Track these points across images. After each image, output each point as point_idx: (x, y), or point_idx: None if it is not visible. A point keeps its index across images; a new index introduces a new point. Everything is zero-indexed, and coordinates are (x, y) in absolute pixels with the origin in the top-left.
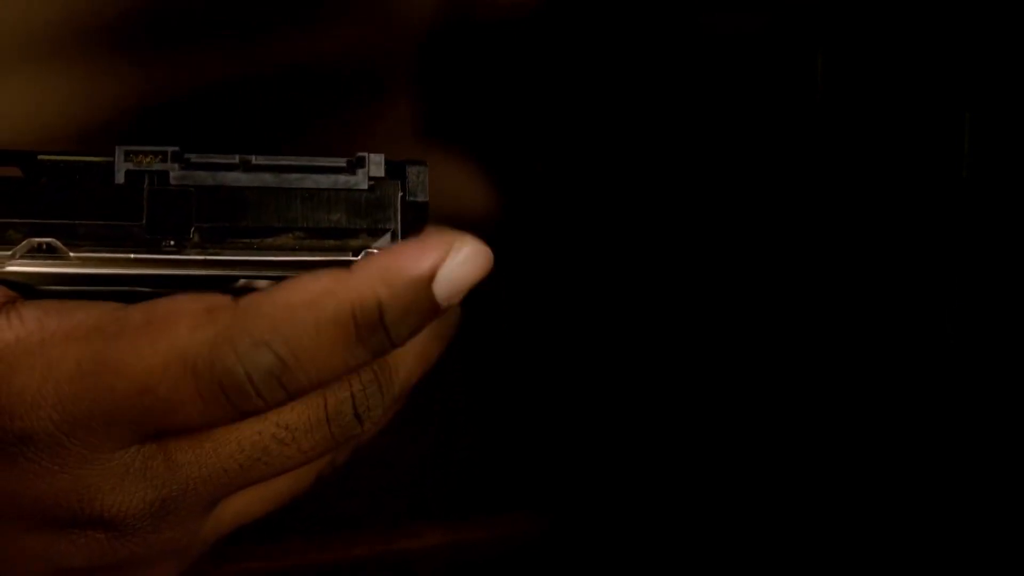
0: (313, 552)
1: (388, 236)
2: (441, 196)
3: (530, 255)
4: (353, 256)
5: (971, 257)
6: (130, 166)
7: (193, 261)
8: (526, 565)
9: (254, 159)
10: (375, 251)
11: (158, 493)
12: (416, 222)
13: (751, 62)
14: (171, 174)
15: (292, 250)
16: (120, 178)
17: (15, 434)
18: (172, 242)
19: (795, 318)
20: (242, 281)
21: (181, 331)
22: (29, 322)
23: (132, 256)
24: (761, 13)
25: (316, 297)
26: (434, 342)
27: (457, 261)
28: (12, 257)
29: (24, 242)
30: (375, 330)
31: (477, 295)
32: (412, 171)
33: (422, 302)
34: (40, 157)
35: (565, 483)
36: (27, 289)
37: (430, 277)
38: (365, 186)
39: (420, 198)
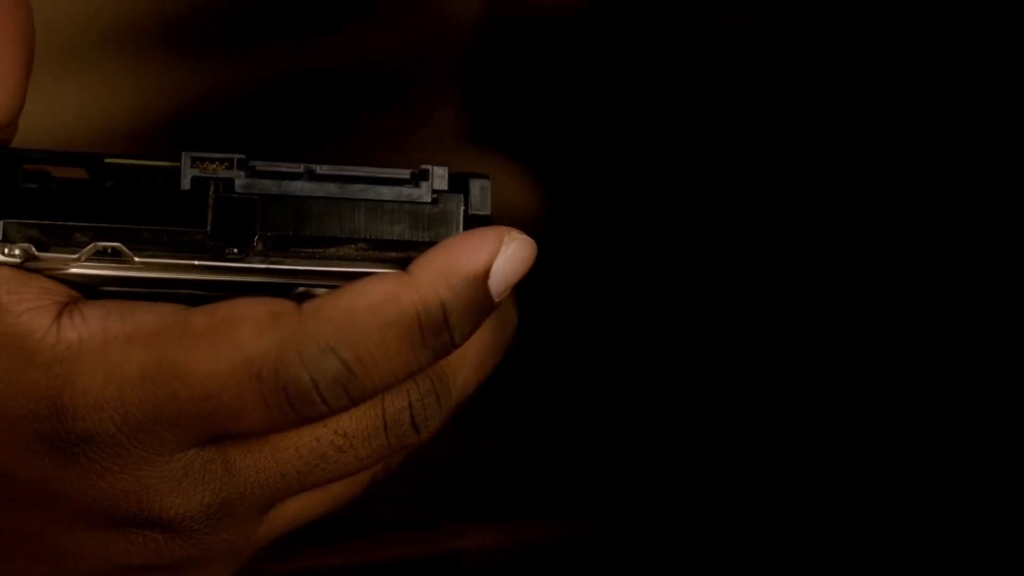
0: (359, 552)
1: None
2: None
3: (571, 257)
4: None
5: (983, 259)
6: (196, 172)
7: (255, 269)
8: (575, 567)
9: (319, 168)
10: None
11: (216, 496)
12: None
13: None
14: (236, 182)
15: (354, 260)
16: (186, 184)
17: (77, 434)
18: (235, 249)
19: (807, 321)
20: (301, 288)
21: (245, 337)
22: (92, 322)
23: (196, 263)
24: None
25: (380, 302)
26: (491, 353)
27: (508, 254)
28: (77, 260)
29: (90, 245)
30: (440, 331)
31: (524, 294)
32: (476, 185)
33: (481, 298)
34: (107, 160)
35: (616, 485)
36: (89, 289)
37: (487, 273)
38: (428, 199)
39: (482, 212)
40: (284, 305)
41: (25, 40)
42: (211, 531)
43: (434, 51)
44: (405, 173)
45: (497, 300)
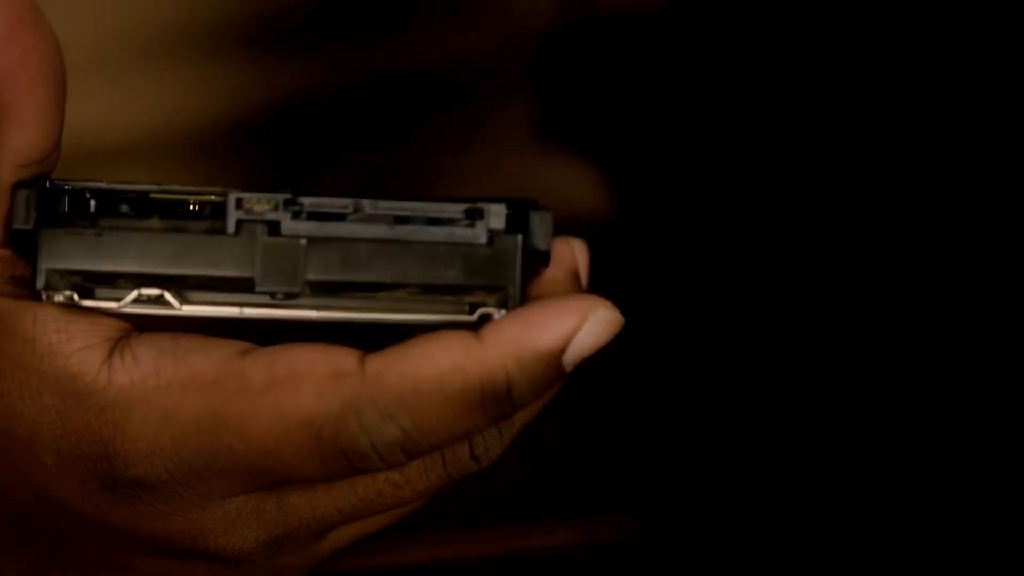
0: (441, 548)
1: (506, 295)
2: (556, 199)
3: (634, 256)
4: (470, 315)
5: (984, 259)
6: (241, 214)
7: (304, 317)
8: (642, 566)
9: (367, 207)
10: (493, 312)
11: (271, 533)
12: (536, 269)
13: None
14: (282, 224)
15: (406, 305)
16: (231, 227)
17: (129, 479)
18: (283, 294)
19: (807, 321)
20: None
21: (305, 397)
22: (144, 364)
23: (244, 311)
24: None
25: (444, 372)
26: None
27: (589, 330)
28: (121, 306)
29: (133, 293)
30: (503, 403)
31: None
32: (536, 218)
33: (552, 373)
34: (152, 196)
35: (684, 483)
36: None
37: (563, 350)
38: (484, 240)
39: (542, 246)
40: (345, 362)
41: (53, 74)
42: (270, 559)
43: (501, 51)
44: (459, 209)
45: (570, 369)
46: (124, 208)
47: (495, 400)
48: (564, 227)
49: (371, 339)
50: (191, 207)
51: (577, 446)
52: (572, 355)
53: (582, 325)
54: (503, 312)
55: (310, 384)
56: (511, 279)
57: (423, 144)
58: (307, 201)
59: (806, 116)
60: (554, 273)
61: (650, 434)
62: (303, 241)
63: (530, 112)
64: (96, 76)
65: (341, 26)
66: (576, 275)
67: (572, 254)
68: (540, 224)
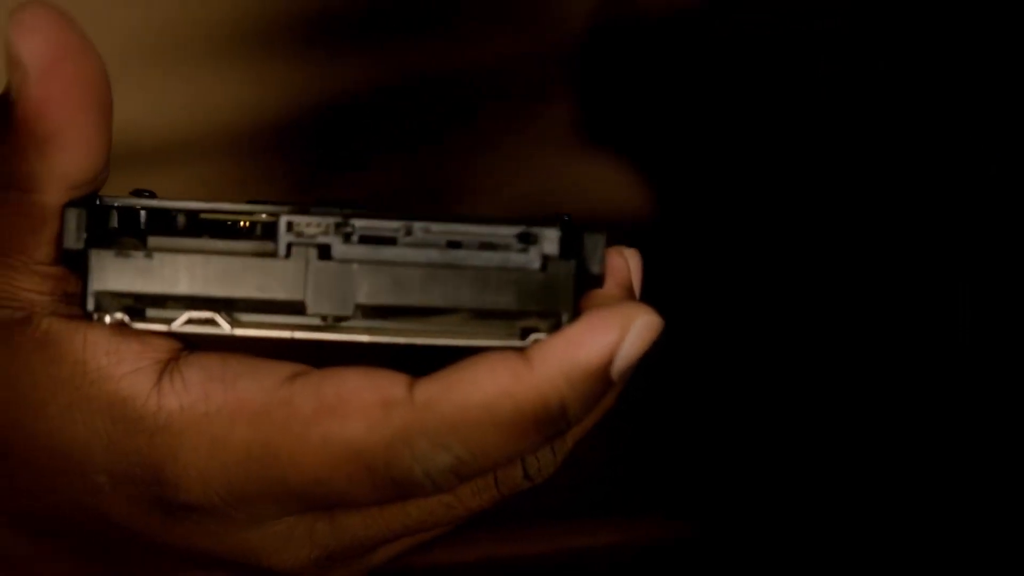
0: (482, 547)
1: (559, 320)
2: (595, 198)
3: (680, 256)
4: (522, 340)
5: (984, 259)
6: (292, 237)
7: (355, 340)
8: (693, 567)
9: (419, 230)
10: (543, 337)
11: (323, 551)
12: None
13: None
14: (334, 247)
15: (457, 329)
16: (283, 251)
17: (180, 503)
18: (333, 317)
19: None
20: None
21: (355, 427)
22: (193, 389)
23: (295, 335)
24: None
25: (495, 399)
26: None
27: (633, 338)
28: (171, 328)
29: (184, 316)
30: (556, 423)
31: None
32: (590, 240)
33: (602, 387)
34: (202, 216)
35: (736, 486)
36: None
37: (610, 362)
38: (537, 265)
39: (596, 270)
40: (394, 390)
41: (99, 98)
42: (324, 571)
43: (541, 53)
44: (512, 234)
45: (618, 381)
46: (173, 224)
47: (549, 421)
48: (603, 227)
49: (420, 356)
50: (241, 224)
51: (619, 447)
52: (619, 366)
53: (626, 336)
54: None
55: (359, 413)
56: (565, 305)
57: (463, 145)
58: (358, 224)
59: (806, 116)
60: (609, 288)
61: (689, 436)
62: (355, 266)
63: (569, 113)
64: (127, 77)
65: (380, 27)
66: (630, 288)
67: (626, 266)
68: (594, 248)
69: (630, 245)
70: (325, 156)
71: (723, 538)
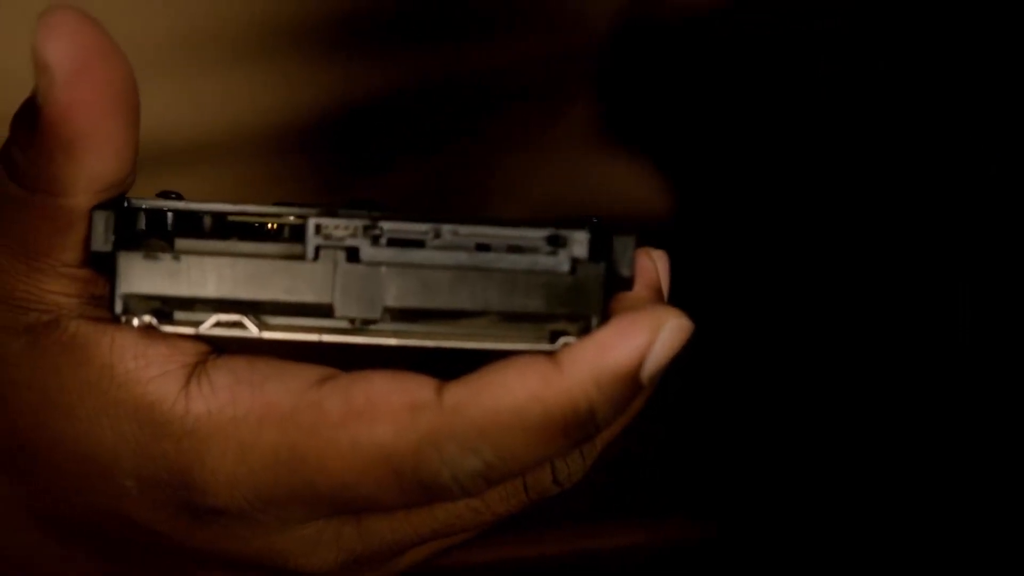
0: (503, 548)
1: (588, 323)
2: (620, 198)
3: (704, 256)
4: (551, 343)
5: (984, 259)
6: (320, 240)
7: (383, 343)
8: (713, 568)
9: (447, 233)
10: (572, 340)
11: (350, 554)
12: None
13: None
14: (362, 250)
15: (486, 332)
16: (311, 254)
17: (207, 507)
18: (361, 321)
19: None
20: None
21: (383, 431)
22: (221, 393)
23: (323, 338)
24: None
25: (524, 403)
26: (641, 396)
27: (663, 341)
28: (199, 331)
29: (212, 319)
30: (585, 427)
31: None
32: (619, 243)
33: (632, 390)
34: (230, 218)
35: (757, 486)
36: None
37: (640, 366)
38: (566, 269)
39: (626, 273)
40: (422, 393)
41: (127, 102)
42: (351, 574)
43: (566, 53)
44: (541, 237)
45: (647, 384)
46: (201, 226)
47: (578, 425)
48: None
49: (448, 359)
50: (268, 226)
51: (642, 449)
52: (649, 370)
53: (655, 339)
54: None
55: (387, 417)
56: (594, 308)
57: (488, 145)
58: (387, 226)
59: (805, 116)
60: (638, 290)
61: (714, 438)
62: (383, 269)
63: (593, 112)
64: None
65: (405, 28)
66: (659, 291)
67: (654, 268)
68: (623, 250)
69: (654, 245)
70: (349, 157)
71: (745, 539)
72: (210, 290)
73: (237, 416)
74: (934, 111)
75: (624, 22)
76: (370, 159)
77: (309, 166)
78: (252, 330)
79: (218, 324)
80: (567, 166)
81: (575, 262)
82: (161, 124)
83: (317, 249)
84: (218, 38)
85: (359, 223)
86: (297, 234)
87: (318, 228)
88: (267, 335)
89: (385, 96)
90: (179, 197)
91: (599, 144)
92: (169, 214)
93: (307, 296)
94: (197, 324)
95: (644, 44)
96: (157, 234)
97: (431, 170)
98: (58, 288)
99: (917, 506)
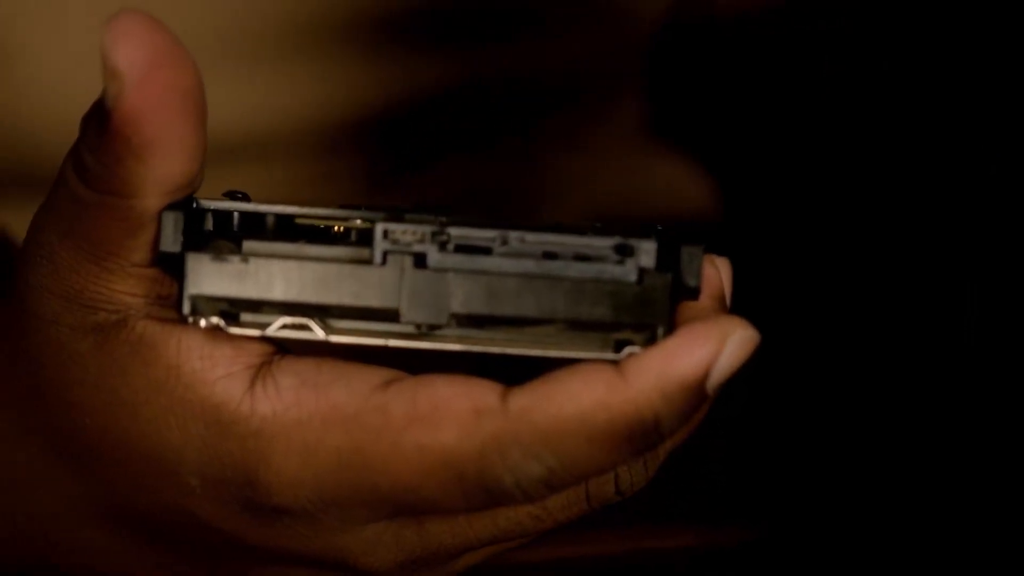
0: (560, 547)
1: (655, 333)
2: (670, 198)
3: (753, 257)
4: (616, 352)
5: (991, 259)
6: (388, 245)
7: (448, 349)
8: (778, 569)
9: (514, 239)
10: (638, 350)
11: (410, 556)
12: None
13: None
14: (429, 256)
15: (551, 340)
16: (378, 259)
17: (271, 507)
18: (427, 327)
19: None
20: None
21: (448, 435)
22: (285, 394)
23: (389, 343)
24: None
25: (590, 409)
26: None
27: (730, 352)
28: (266, 334)
29: (279, 322)
30: (649, 436)
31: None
32: (687, 253)
33: (697, 401)
34: (297, 221)
35: (803, 491)
36: None
37: (706, 377)
38: (634, 278)
39: (692, 283)
40: (488, 398)
41: (194, 105)
42: (408, 574)
43: (616, 51)
44: (608, 246)
45: (712, 394)
46: (265, 227)
47: (642, 434)
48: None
49: (507, 365)
50: (335, 229)
51: (692, 453)
52: (715, 380)
53: (722, 350)
54: None
55: (452, 421)
56: (661, 318)
57: (539, 144)
58: (454, 232)
59: (806, 116)
60: (702, 300)
61: (762, 442)
62: (450, 275)
63: (646, 111)
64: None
65: (457, 27)
66: (723, 300)
67: (718, 276)
68: (691, 261)
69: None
70: (402, 156)
71: (794, 541)
72: (277, 293)
73: (302, 418)
74: (937, 110)
75: (674, 21)
76: (420, 158)
77: (360, 165)
78: (319, 334)
79: (285, 327)
80: (617, 165)
81: (642, 272)
82: (210, 123)
83: (385, 254)
84: (268, 37)
85: (427, 228)
86: (364, 238)
87: (386, 233)
88: (334, 339)
89: (435, 95)
90: (245, 197)
91: (648, 144)
92: (236, 215)
93: (374, 301)
94: (264, 326)
95: (694, 43)
96: (223, 235)
97: (481, 170)
98: (126, 288)
99: (911, 504)
